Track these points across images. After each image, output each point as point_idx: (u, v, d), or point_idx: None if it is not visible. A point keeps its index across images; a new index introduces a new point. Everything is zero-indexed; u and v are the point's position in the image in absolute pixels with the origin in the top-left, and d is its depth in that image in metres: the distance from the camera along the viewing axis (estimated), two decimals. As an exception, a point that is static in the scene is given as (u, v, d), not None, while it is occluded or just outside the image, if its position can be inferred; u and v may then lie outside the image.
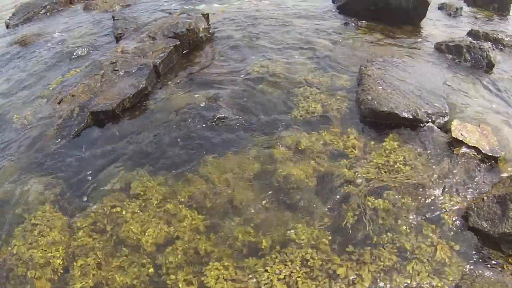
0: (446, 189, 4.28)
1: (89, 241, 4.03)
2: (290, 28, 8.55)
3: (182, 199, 4.31)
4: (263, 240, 3.84)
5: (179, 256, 3.79)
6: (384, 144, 4.89)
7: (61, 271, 3.83)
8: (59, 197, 4.54)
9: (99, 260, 3.85)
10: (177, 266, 3.72)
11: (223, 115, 5.36)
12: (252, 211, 4.13)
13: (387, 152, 4.75)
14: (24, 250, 4.02)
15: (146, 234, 4.01)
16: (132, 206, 4.31)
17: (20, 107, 6.47)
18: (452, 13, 10.42)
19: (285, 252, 3.75)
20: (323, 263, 3.64)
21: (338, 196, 4.24)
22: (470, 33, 8.55)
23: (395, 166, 4.53)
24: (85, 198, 4.48)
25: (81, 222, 4.21)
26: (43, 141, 5.42)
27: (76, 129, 5.50)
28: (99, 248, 3.95)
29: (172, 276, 3.64)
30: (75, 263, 3.85)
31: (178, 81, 6.58)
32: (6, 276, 3.85)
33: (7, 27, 12.60)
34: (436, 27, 9.14)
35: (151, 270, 3.72)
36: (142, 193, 4.42)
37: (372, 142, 4.93)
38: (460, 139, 4.73)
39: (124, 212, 4.24)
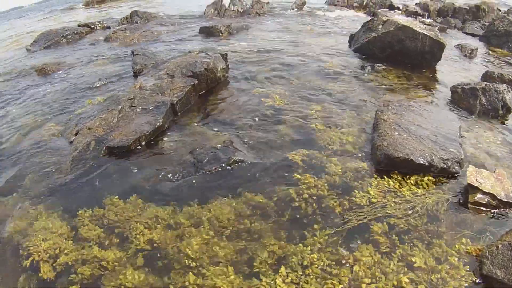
0: (460, 235, 4.21)
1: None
2: (308, 70, 8.66)
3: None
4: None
5: None
6: (398, 188, 4.87)
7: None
8: (69, 228, 4.51)
9: None
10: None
11: (239, 158, 5.34)
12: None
13: (402, 198, 4.70)
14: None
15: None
16: (144, 240, 4.28)
17: (36, 136, 6.54)
18: (467, 54, 10.48)
19: None
20: None
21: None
22: (485, 75, 8.56)
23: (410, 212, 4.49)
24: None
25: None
26: (58, 172, 5.46)
27: (91, 163, 5.54)
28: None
29: None
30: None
31: (195, 120, 6.64)
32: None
33: (28, 52, 12.88)
34: (452, 69, 9.22)
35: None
36: (153, 230, 4.40)
37: (387, 186, 4.91)
38: (476, 185, 4.67)
39: (135, 245, 4.22)
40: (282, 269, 3.87)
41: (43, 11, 20.38)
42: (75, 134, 6.24)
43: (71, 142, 6.11)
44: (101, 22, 15.32)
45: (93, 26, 14.81)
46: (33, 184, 5.31)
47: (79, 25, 15.10)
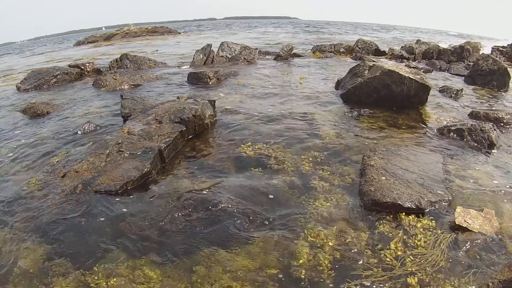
0: (450, 277, 4.16)
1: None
2: (294, 116, 8.77)
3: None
4: None
5: None
6: (386, 234, 4.82)
7: None
8: (56, 272, 4.35)
9: None
10: None
11: (226, 205, 5.30)
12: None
13: (391, 243, 4.66)
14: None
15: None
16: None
17: (22, 177, 6.48)
18: (453, 95, 10.72)
19: None
20: None
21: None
22: (471, 115, 8.73)
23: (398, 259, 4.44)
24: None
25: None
26: (44, 215, 5.35)
27: (78, 207, 5.45)
28: None
29: None
30: None
31: (182, 166, 6.62)
32: None
33: (18, 90, 12.93)
34: (438, 111, 9.38)
35: None
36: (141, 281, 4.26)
37: (376, 235, 4.86)
38: (464, 225, 4.71)
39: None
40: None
41: (34, 48, 20.58)
42: (62, 177, 6.19)
43: (58, 184, 6.04)
44: (91, 64, 15.50)
45: (83, 67, 14.97)
46: (19, 225, 5.19)
47: (69, 65, 15.26)
